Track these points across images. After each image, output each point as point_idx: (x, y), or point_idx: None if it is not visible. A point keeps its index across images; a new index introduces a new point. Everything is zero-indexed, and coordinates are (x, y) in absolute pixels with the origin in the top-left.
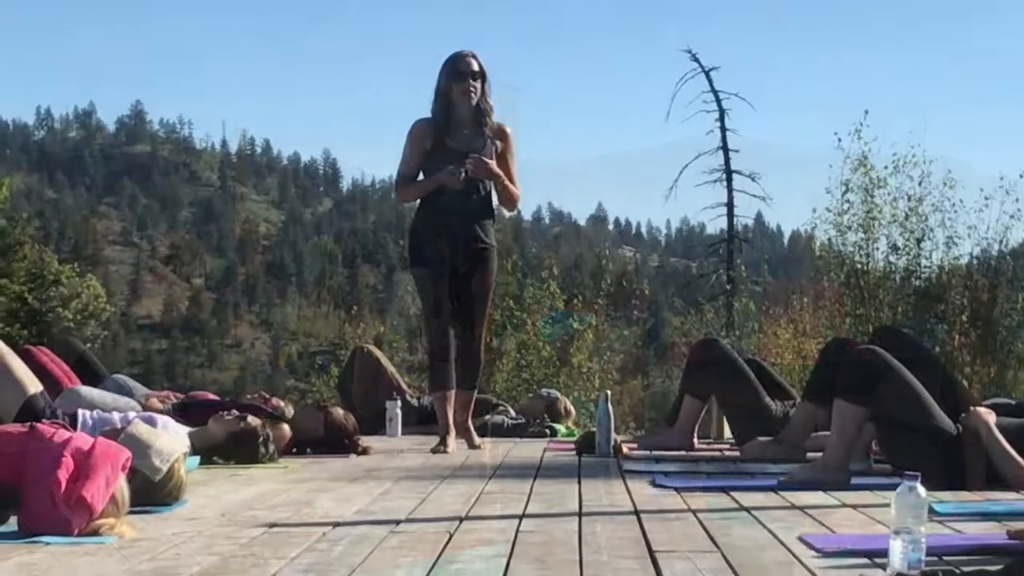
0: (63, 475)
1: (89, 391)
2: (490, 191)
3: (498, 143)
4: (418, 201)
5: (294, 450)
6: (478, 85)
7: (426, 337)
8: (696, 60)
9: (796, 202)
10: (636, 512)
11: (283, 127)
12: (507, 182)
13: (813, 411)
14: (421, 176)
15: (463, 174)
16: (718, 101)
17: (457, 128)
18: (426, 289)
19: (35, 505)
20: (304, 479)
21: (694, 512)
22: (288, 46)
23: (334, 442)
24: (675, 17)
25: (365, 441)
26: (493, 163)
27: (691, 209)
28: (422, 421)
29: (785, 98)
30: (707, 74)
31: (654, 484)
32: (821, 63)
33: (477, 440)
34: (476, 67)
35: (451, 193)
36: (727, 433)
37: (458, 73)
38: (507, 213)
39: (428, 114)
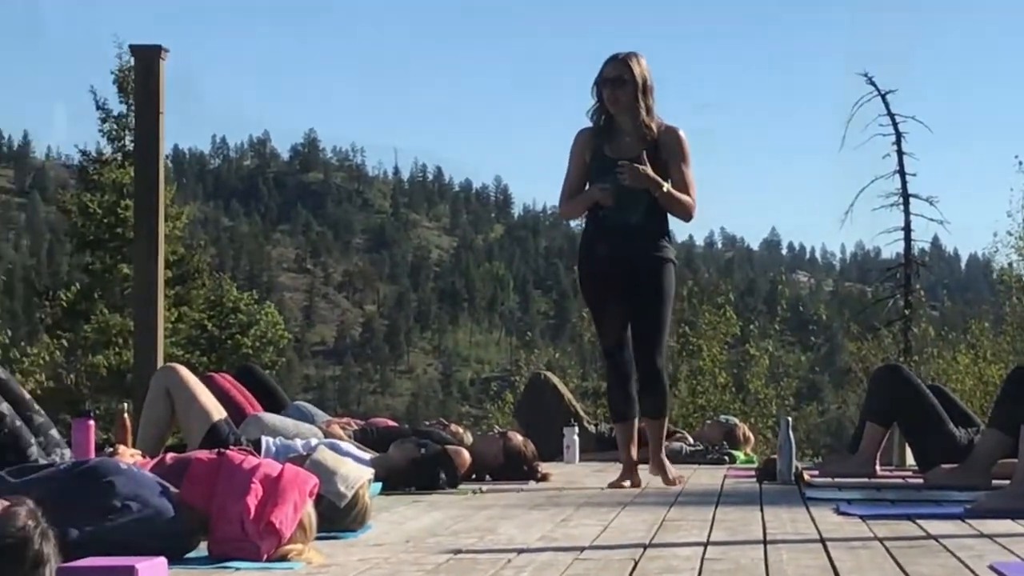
0: (252, 501)
1: (272, 418)
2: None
3: (669, 147)
4: (585, 218)
5: (473, 476)
6: (624, 92)
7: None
8: (872, 83)
9: (975, 225)
10: (822, 540)
11: (455, 154)
12: (669, 189)
13: (999, 438)
14: (587, 188)
15: (614, 190)
16: (894, 124)
17: (618, 136)
18: (593, 312)
19: (225, 530)
20: (485, 505)
21: (880, 540)
22: (460, 75)
23: (513, 468)
24: (847, 37)
25: (543, 467)
26: (648, 169)
27: (866, 233)
28: (599, 448)
29: (963, 119)
30: (883, 97)
31: (838, 511)
32: (1004, 83)
33: (672, 474)
34: (620, 73)
35: (611, 207)
36: (909, 460)
37: (602, 80)
38: (683, 224)
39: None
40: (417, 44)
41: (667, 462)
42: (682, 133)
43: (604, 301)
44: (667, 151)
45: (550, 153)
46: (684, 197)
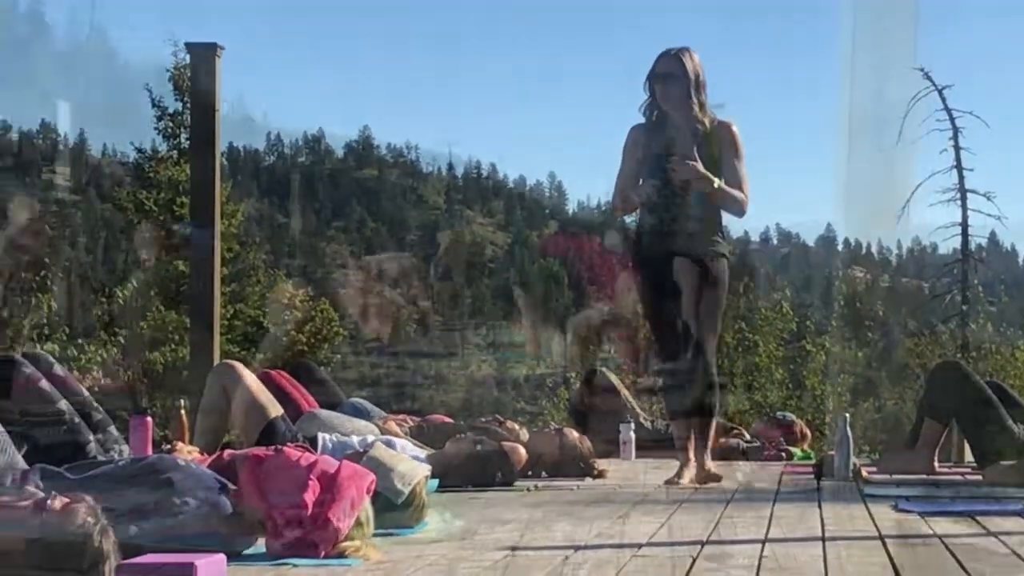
0: (310, 497)
1: (328, 414)
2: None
3: (722, 143)
4: (637, 214)
5: (529, 473)
6: (676, 87)
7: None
8: (929, 78)
9: None
10: (881, 537)
11: (509, 151)
12: (721, 185)
13: None
14: (640, 183)
15: (658, 186)
16: (951, 119)
17: (670, 131)
18: (645, 308)
19: (282, 527)
20: (541, 502)
21: (940, 538)
22: (513, 72)
23: (569, 465)
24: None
25: (600, 464)
26: (699, 164)
27: (923, 229)
28: (656, 444)
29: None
30: (940, 92)
31: (896, 508)
32: None
33: (709, 465)
34: (672, 68)
35: (660, 204)
36: (967, 456)
37: (653, 75)
38: (736, 219)
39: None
40: (469, 43)
41: (709, 461)
42: (735, 128)
43: (657, 297)
44: (719, 146)
45: (604, 150)
46: (736, 193)
